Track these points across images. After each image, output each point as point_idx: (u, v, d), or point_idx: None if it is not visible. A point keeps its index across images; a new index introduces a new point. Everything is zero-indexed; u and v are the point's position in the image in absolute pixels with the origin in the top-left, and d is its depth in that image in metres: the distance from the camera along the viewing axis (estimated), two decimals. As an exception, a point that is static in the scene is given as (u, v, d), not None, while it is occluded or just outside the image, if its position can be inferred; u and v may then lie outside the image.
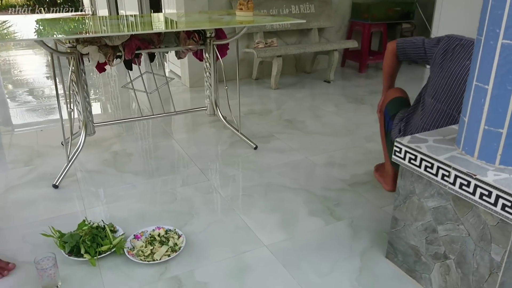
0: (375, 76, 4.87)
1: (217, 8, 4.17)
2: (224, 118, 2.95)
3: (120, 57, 2.40)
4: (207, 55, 2.77)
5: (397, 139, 1.56)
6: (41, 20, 2.71)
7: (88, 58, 2.35)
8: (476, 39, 1.35)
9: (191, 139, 2.99)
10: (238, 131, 2.86)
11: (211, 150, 2.82)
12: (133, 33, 2.16)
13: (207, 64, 2.81)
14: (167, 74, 2.69)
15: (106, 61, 2.32)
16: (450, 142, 1.51)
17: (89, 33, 2.12)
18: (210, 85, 2.87)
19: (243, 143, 2.87)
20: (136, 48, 2.38)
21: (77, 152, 2.43)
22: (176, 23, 2.67)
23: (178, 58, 2.79)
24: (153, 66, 4.73)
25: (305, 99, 3.92)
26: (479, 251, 1.33)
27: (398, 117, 2.10)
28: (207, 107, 2.99)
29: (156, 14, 3.35)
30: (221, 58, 2.81)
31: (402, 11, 5.04)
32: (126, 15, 2.74)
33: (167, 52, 2.96)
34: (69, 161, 2.35)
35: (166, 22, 2.57)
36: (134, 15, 3.10)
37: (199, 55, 2.83)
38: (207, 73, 2.85)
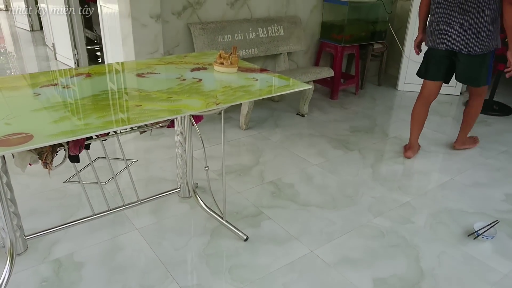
0: (349, 104, 4.43)
1: (169, 7, 3.45)
2: (195, 186, 2.29)
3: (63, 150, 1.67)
4: (180, 127, 2.09)
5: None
6: None
7: (13, 154, 1.60)
8: None
9: (158, 228, 2.29)
10: (222, 218, 2.23)
11: (189, 247, 2.16)
12: (84, 136, 1.37)
13: (179, 137, 2.13)
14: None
15: (42, 163, 1.57)
16: None
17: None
18: (185, 164, 2.19)
19: (227, 230, 2.26)
20: (86, 138, 1.66)
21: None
22: (140, 99, 1.91)
23: (140, 133, 2.08)
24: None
25: (284, 145, 3.36)
26: None
27: None
28: (179, 188, 2.32)
29: (101, 66, 2.47)
30: (196, 124, 2.16)
31: (375, 31, 4.63)
32: (58, 72, 1.96)
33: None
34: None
35: (126, 94, 1.76)
36: (72, 78, 1.89)
37: (168, 124, 2.14)
38: (179, 150, 2.16)
